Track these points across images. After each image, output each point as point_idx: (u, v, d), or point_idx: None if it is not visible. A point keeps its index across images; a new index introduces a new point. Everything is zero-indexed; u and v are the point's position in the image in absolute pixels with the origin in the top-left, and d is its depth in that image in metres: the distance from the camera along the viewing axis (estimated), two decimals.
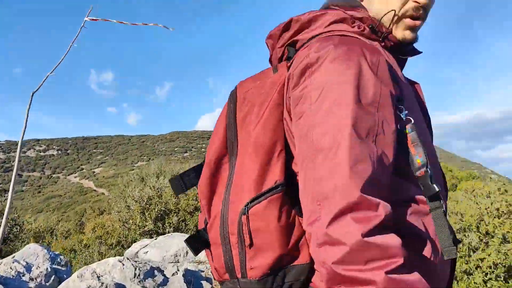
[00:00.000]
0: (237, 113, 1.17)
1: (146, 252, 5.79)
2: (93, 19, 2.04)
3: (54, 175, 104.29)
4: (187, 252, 5.71)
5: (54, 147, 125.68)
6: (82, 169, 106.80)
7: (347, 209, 0.84)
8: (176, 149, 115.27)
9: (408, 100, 1.06)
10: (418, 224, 1.00)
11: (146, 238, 7.92)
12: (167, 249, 5.70)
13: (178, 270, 4.05)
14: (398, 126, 0.99)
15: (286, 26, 1.20)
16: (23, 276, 3.73)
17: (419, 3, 1.12)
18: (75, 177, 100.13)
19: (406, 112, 1.00)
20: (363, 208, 0.84)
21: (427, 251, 0.99)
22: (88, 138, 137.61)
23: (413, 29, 1.16)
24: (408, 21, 1.15)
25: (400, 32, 1.16)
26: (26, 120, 2.02)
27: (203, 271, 5.10)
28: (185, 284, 3.71)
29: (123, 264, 3.59)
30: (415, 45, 1.23)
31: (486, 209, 11.37)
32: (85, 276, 3.41)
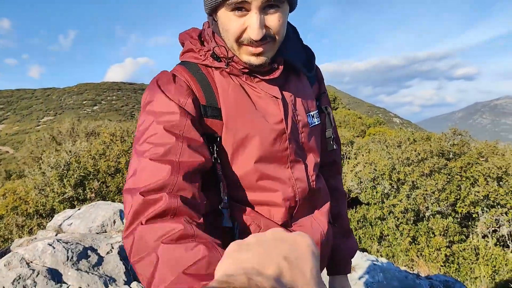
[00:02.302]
0: None
1: (70, 223, 5.57)
2: None
3: None
4: (114, 222, 5.57)
5: None
6: None
7: None
8: (84, 102, 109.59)
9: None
10: None
11: (67, 206, 7.60)
12: (93, 219, 5.52)
13: (113, 248, 3.95)
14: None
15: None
16: None
17: (253, 39, 1.17)
18: None
19: None
20: None
21: None
22: None
23: (257, 54, 1.22)
24: (247, 48, 1.21)
25: (244, 57, 1.24)
26: None
27: None
28: (121, 262, 3.64)
29: (54, 248, 3.42)
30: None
31: (397, 158, 12.26)
32: (13, 264, 3.21)
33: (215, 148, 1.26)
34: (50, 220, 7.15)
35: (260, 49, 1.21)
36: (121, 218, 5.64)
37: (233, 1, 1.14)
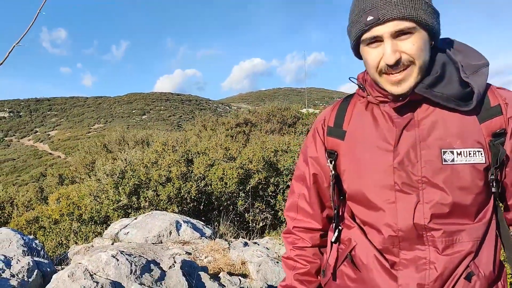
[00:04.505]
0: None
1: (127, 232, 5.53)
2: None
3: (6, 138, 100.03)
4: (170, 232, 5.49)
5: (5, 109, 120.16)
6: (36, 131, 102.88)
7: None
8: (134, 111, 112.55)
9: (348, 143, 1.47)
10: None
11: (121, 213, 7.62)
12: (149, 229, 5.46)
13: (175, 262, 3.82)
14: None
15: None
16: (3, 272, 3.42)
17: (387, 64, 1.26)
18: (29, 140, 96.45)
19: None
20: None
21: None
22: (41, 100, 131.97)
23: (397, 82, 1.29)
24: (387, 77, 1.30)
25: (387, 87, 1.32)
26: None
27: (190, 253, 4.91)
28: (183, 278, 3.50)
29: (117, 260, 3.32)
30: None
31: None
32: (77, 275, 3.13)
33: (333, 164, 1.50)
34: (105, 227, 7.18)
35: (398, 76, 1.27)
36: (177, 230, 5.55)
37: (366, 36, 1.29)
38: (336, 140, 1.50)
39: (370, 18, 1.26)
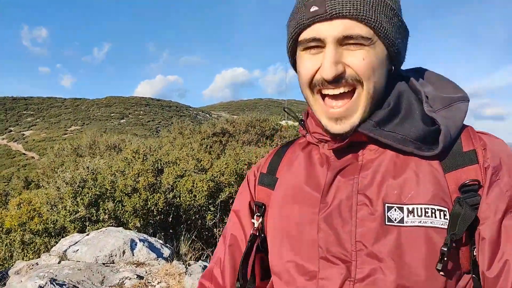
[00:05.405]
0: None
1: (76, 250, 5.06)
2: None
3: None
4: (123, 252, 5.04)
5: None
6: (11, 131, 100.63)
7: None
8: (112, 114, 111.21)
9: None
10: None
11: (78, 226, 7.11)
12: (101, 248, 5.00)
13: None
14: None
15: None
16: None
17: (324, 78, 0.93)
18: (3, 139, 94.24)
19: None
20: None
21: None
22: (17, 98, 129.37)
23: (337, 118, 0.96)
24: (320, 103, 0.99)
25: (323, 120, 0.99)
26: None
27: (142, 277, 4.47)
28: None
29: None
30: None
31: None
32: None
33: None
34: (59, 240, 6.67)
35: (338, 110, 0.95)
36: (132, 249, 5.10)
37: (305, 36, 0.95)
38: (266, 190, 1.16)
39: (314, 9, 0.92)
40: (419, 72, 1.10)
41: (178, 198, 8.83)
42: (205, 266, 5.02)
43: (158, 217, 8.61)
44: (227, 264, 1.20)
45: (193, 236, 7.73)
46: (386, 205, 0.92)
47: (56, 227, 7.24)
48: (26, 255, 6.61)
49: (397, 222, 0.91)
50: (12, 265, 5.30)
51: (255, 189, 1.21)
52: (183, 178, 9.35)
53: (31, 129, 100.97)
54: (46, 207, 7.63)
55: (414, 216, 0.90)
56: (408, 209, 0.91)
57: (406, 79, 1.05)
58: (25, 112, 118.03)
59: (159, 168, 10.21)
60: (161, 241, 5.89)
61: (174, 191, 8.99)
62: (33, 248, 6.77)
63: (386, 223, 0.91)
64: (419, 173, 0.94)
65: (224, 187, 9.20)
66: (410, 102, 1.00)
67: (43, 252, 6.23)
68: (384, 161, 0.98)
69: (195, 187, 8.95)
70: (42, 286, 2.93)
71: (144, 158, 11.01)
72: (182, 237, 7.24)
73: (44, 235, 7.16)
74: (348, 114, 0.95)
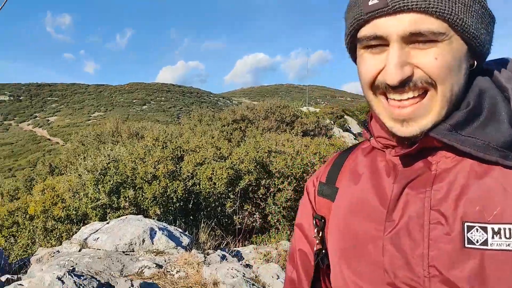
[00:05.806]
0: None
1: (97, 238, 5.12)
2: None
3: (5, 122, 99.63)
4: (143, 240, 5.08)
5: (5, 92, 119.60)
6: (36, 117, 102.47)
7: None
8: (134, 101, 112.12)
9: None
10: None
11: (99, 213, 7.20)
12: (121, 236, 5.05)
13: (132, 285, 3.41)
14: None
15: None
16: None
17: (387, 83, 0.81)
18: (28, 125, 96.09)
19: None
20: None
21: None
22: (42, 85, 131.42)
23: (403, 120, 0.83)
24: (384, 103, 0.86)
25: (388, 123, 0.86)
26: None
27: (161, 266, 4.50)
28: None
29: (63, 283, 2.91)
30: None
31: None
32: None
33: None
34: (80, 227, 6.77)
35: (405, 111, 0.81)
36: (151, 238, 5.14)
37: (365, 33, 0.83)
38: (326, 201, 1.05)
39: (373, 2, 0.79)
40: (505, 64, 0.91)
41: (197, 186, 8.86)
42: (224, 256, 5.03)
43: (178, 204, 8.66)
44: (304, 283, 1.13)
45: (212, 224, 7.76)
46: (466, 224, 0.79)
47: (78, 214, 7.35)
48: (49, 242, 6.73)
49: (479, 245, 0.77)
50: (34, 253, 5.40)
51: (315, 201, 1.10)
52: (203, 166, 9.37)
53: (56, 115, 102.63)
54: (68, 194, 7.74)
55: (500, 238, 0.76)
56: (493, 229, 0.77)
57: (489, 73, 0.89)
58: (49, 98, 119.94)
59: (179, 155, 10.27)
60: (180, 230, 5.92)
61: (194, 178, 9.02)
62: (55, 235, 6.89)
63: (466, 245, 0.78)
64: (507, 187, 0.79)
65: (244, 175, 9.18)
66: (494, 101, 0.84)
67: (65, 239, 6.34)
68: (462, 172, 0.83)
69: (214, 174, 8.96)
70: (61, 277, 2.97)
71: (164, 146, 11.08)
72: (202, 224, 7.26)
73: (66, 221, 7.28)
74: (418, 116, 0.82)
